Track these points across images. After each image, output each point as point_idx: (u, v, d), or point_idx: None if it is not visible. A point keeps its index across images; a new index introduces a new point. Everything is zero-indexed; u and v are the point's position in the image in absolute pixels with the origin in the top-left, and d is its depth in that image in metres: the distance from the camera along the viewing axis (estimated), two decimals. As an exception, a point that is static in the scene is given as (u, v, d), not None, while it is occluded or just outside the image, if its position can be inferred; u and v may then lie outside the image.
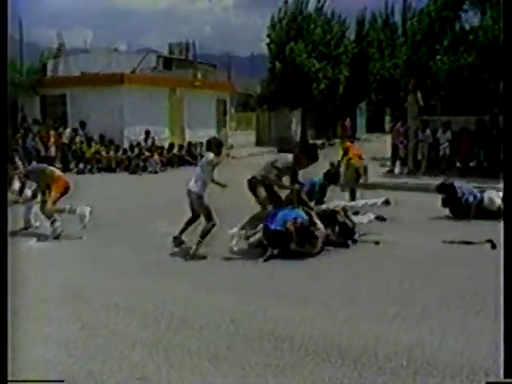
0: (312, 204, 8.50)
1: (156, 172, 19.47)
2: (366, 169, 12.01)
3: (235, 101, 32.45)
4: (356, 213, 9.16)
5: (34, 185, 9.34)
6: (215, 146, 7.83)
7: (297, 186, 8.17)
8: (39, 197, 9.20)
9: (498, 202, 9.47)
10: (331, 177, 9.67)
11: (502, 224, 4.19)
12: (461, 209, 9.92)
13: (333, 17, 34.14)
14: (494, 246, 7.65)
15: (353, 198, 10.81)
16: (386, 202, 8.81)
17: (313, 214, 7.72)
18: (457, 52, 18.44)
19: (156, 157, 20.02)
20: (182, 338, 4.75)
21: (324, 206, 8.59)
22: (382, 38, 37.44)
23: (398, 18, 39.46)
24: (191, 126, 24.98)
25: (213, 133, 25.47)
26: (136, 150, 20.28)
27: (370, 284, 6.27)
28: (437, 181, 11.14)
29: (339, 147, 12.11)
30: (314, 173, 9.56)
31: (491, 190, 10.02)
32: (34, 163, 15.92)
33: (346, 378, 4.02)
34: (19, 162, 9.58)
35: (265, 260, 7.24)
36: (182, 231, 7.95)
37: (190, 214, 7.93)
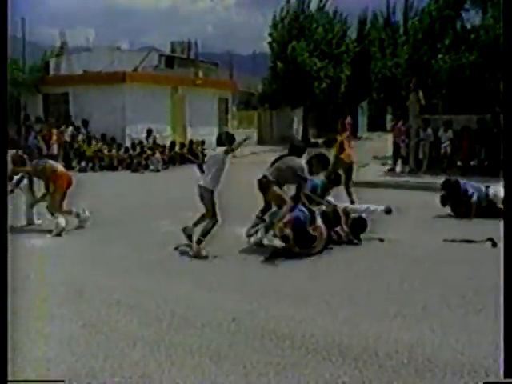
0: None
1: (158, 170, 19.48)
2: (351, 169, 11.38)
3: (237, 99, 32.43)
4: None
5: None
6: (227, 140, 7.83)
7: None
8: (39, 193, 9.32)
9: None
10: (333, 179, 9.66)
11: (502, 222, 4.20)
12: (463, 207, 9.94)
13: (334, 16, 34.11)
14: (494, 245, 7.67)
15: (350, 199, 10.78)
16: (388, 211, 8.76)
17: (316, 213, 7.73)
18: (458, 51, 18.43)
19: (158, 155, 20.02)
20: (183, 337, 4.76)
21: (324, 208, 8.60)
22: (384, 37, 37.39)
23: (399, 17, 39.56)
24: (193, 124, 25.00)
25: (214, 131, 25.50)
26: (138, 149, 20.29)
27: (370, 283, 6.28)
28: (438, 179, 11.15)
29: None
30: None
31: (498, 186, 9.67)
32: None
33: (347, 376, 4.04)
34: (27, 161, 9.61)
35: (266, 259, 7.26)
36: (196, 224, 7.95)
37: (200, 211, 7.91)
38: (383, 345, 4.53)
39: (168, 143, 21.73)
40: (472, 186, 10.09)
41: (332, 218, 7.96)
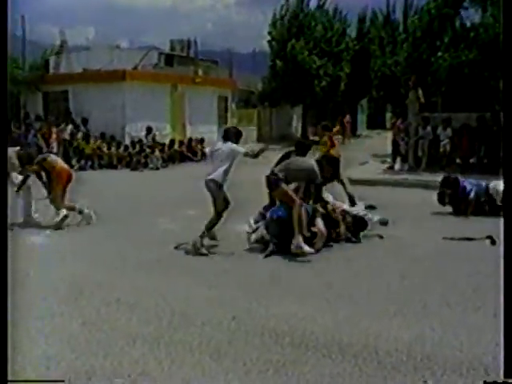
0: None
1: (157, 168, 19.48)
2: (339, 162, 10.84)
3: (236, 97, 32.43)
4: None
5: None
6: (234, 135, 7.82)
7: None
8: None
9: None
10: (328, 176, 9.62)
11: (502, 220, 4.20)
12: (462, 204, 9.95)
13: (334, 14, 34.13)
14: (493, 242, 7.67)
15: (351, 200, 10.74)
16: (383, 223, 8.84)
17: (318, 213, 7.74)
18: (457, 49, 18.43)
19: (157, 153, 20.02)
20: (183, 334, 4.77)
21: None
22: (383, 35, 37.42)
23: (399, 15, 39.60)
24: (192, 122, 24.97)
25: (214, 129, 25.54)
26: (137, 147, 20.28)
27: (370, 281, 6.28)
28: (437, 177, 11.13)
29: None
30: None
31: (498, 182, 9.57)
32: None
33: (347, 373, 4.05)
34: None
35: (265, 256, 7.26)
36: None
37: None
38: (383, 342, 4.53)
39: (167, 141, 21.72)
40: (470, 183, 10.10)
41: (332, 217, 7.97)
